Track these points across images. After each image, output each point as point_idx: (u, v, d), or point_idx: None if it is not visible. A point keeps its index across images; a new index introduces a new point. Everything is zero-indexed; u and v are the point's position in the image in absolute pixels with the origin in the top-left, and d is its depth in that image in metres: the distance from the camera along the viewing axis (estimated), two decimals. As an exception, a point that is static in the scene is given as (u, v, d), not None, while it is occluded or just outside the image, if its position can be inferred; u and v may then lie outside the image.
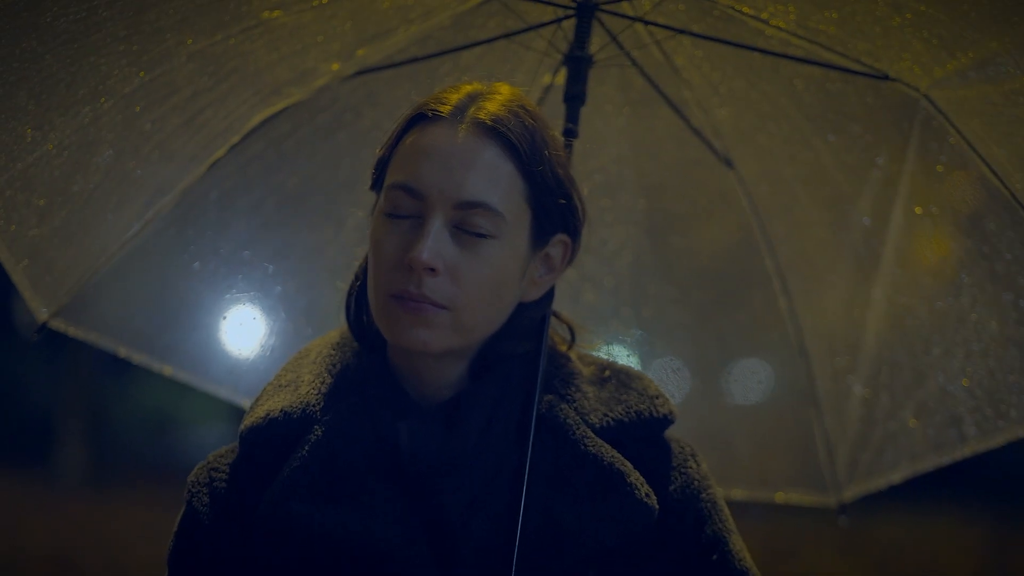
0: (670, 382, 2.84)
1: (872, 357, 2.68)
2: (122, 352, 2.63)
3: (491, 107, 1.86)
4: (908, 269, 2.62)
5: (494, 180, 1.84)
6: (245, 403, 2.55)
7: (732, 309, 2.89)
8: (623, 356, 2.79)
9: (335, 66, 2.49)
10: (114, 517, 10.99)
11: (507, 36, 2.40)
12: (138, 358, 2.66)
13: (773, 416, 3.00)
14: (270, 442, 1.91)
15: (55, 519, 10.83)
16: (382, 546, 1.83)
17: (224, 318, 2.72)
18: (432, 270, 1.81)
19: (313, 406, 1.91)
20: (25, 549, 9.40)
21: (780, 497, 2.84)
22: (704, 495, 1.96)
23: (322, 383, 1.94)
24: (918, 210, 2.55)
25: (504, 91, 1.90)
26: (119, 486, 12.91)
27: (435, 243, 1.81)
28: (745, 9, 2.35)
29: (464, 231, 1.83)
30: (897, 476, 2.67)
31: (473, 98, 1.88)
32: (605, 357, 2.07)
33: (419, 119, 1.87)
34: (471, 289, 1.84)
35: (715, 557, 1.94)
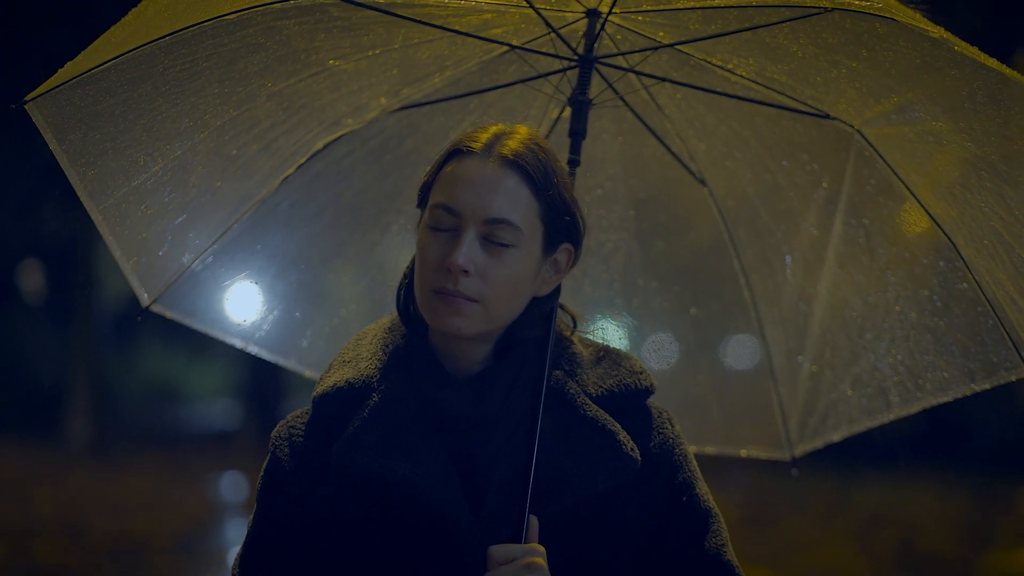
0: (654, 359, 3.01)
1: (817, 340, 2.83)
2: (209, 332, 2.79)
3: (513, 144, 2.05)
4: (846, 269, 2.76)
5: (515, 202, 2.03)
6: (308, 374, 2.80)
7: (706, 300, 2.99)
8: (616, 338, 2.96)
9: (384, 101, 2.66)
10: (120, 485, 10.77)
11: (523, 81, 2.57)
12: (221, 337, 2.82)
13: (739, 387, 3.14)
14: (337, 406, 2.09)
15: (63, 487, 10.56)
16: (426, 489, 2.01)
17: (291, 305, 2.86)
18: (466, 272, 2.00)
19: (371, 378, 2.09)
20: (35, 516, 9.23)
21: (744, 452, 2.97)
22: (677, 450, 2.14)
23: (378, 360, 2.11)
24: (854, 222, 2.71)
25: (523, 131, 2.08)
26: (125, 455, 12.57)
27: (468, 251, 2.00)
28: (715, 61, 2.54)
29: (491, 241, 2.02)
30: (837, 436, 2.82)
31: (499, 137, 2.06)
32: (601, 340, 2.22)
33: (456, 152, 2.07)
34: (496, 286, 2.02)
35: (685, 499, 2.11)
